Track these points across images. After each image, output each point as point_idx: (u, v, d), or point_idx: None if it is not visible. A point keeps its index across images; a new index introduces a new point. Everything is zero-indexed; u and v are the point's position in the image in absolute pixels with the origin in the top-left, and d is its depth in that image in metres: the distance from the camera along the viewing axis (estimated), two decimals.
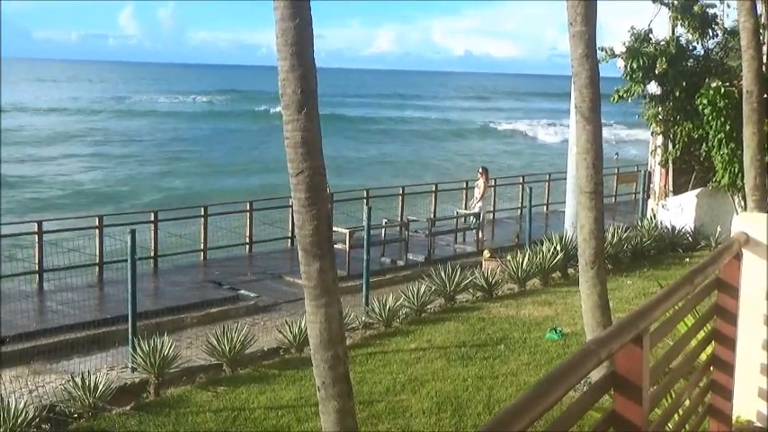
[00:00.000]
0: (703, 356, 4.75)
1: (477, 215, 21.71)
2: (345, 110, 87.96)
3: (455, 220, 22.28)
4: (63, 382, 10.51)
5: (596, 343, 2.79)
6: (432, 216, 22.90)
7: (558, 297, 14.78)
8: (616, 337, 2.91)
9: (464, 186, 25.98)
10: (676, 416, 4.42)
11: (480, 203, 21.99)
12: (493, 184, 25.14)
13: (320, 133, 6.59)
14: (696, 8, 19.15)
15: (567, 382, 2.49)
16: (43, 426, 9.13)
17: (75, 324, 13.71)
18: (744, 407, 4.75)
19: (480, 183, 22.19)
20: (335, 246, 17.59)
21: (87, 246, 17.91)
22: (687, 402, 4.52)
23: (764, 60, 17.29)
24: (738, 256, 4.54)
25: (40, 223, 17.45)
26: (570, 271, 16.08)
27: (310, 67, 6.44)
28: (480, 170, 22.61)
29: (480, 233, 21.63)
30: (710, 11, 19.36)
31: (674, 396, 4.42)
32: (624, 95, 19.76)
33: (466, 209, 23.71)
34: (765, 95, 15.14)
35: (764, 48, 17.33)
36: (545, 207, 27.39)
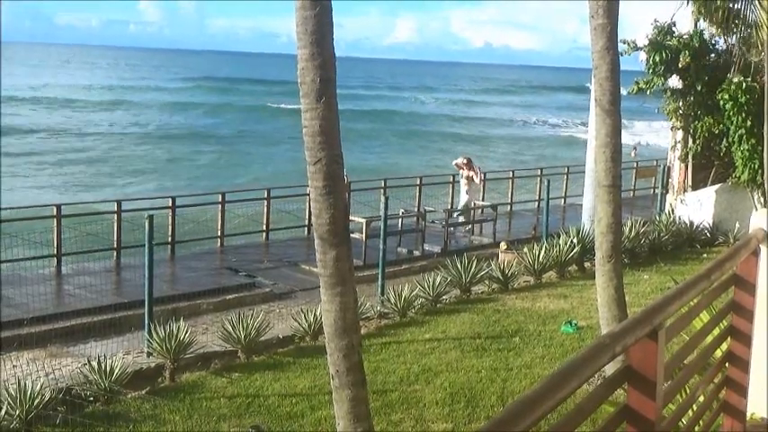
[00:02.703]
0: (718, 353, 4.73)
1: (465, 207, 21.36)
2: (359, 103, 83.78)
3: (472, 211, 22.22)
4: (79, 365, 10.61)
5: (611, 337, 2.78)
6: (449, 207, 22.86)
7: (574, 290, 14.75)
8: (631, 331, 2.91)
9: (483, 178, 25.95)
10: (690, 411, 4.41)
11: (468, 196, 21.60)
12: (483, 177, 23.86)
13: (338, 122, 6.61)
14: (719, 2, 18.99)
15: (581, 375, 2.49)
16: (59, 408, 9.19)
17: (92, 308, 13.81)
18: (758, 404, 4.72)
19: (466, 173, 21.78)
20: (352, 235, 17.77)
21: (106, 230, 18.05)
22: (701, 398, 4.51)
23: None
24: (756, 253, 4.51)
25: (59, 207, 17.53)
26: (587, 264, 16.03)
27: (330, 56, 6.45)
28: (465, 160, 22.06)
29: (472, 226, 21.38)
30: (734, 5, 19.20)
31: (688, 392, 4.41)
32: (644, 87, 19.64)
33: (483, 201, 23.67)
34: None
35: None
36: (563, 200, 27.28)
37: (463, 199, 21.85)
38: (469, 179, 21.73)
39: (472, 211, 21.63)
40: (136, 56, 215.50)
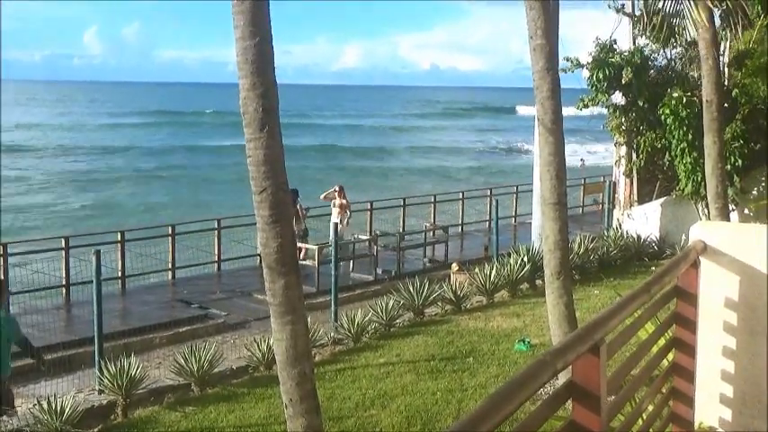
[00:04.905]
0: (664, 364, 4.80)
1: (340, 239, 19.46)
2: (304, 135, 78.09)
3: (423, 234, 22.30)
4: (30, 405, 10.41)
5: (552, 354, 2.81)
6: (401, 230, 22.89)
7: (527, 308, 14.85)
8: (572, 347, 2.94)
9: (432, 200, 26.12)
10: (640, 421, 4.47)
11: (341, 225, 20.19)
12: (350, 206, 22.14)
13: (283, 150, 6.61)
14: (657, 19, 19.36)
15: (522, 394, 2.51)
16: None
17: (43, 346, 13.54)
18: (705, 413, 4.79)
19: (339, 201, 21.05)
20: (305, 262, 17.70)
21: (54, 267, 17.78)
22: (649, 409, 4.57)
23: (724, 70, 17.55)
24: (696, 264, 4.60)
25: (5, 246, 17.28)
26: (538, 282, 16.14)
27: (271, 85, 6.45)
28: (337, 188, 21.30)
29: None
30: (673, 21, 19.59)
31: (636, 403, 4.47)
32: (589, 104, 19.97)
33: (434, 223, 23.75)
34: (725, 105, 15.41)
35: (723, 58, 17.59)
36: (513, 219, 27.51)
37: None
38: (342, 207, 21.00)
39: (351, 245, 20.12)
40: (75, 90, 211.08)
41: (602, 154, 56.16)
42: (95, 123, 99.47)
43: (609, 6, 19.41)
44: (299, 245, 18.85)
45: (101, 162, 64.02)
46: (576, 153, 52.61)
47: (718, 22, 15.26)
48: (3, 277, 15.72)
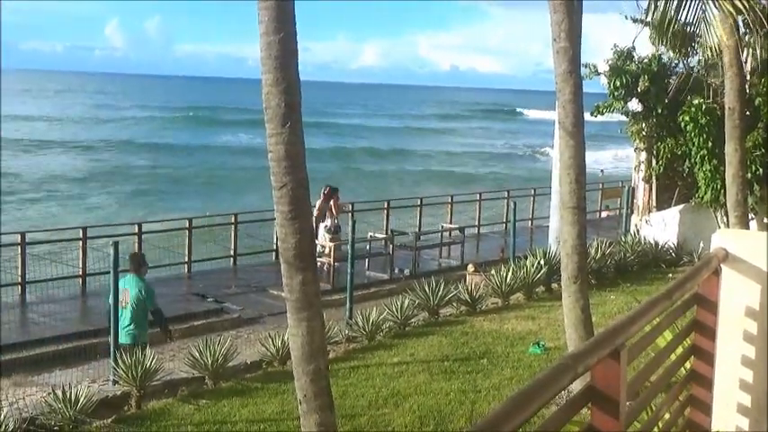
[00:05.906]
0: (682, 372, 4.77)
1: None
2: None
3: (439, 234, 22.28)
4: (44, 394, 10.46)
5: (573, 357, 2.80)
6: (417, 230, 22.85)
7: (542, 311, 14.80)
8: (593, 351, 2.93)
9: (449, 201, 26.09)
10: (656, 429, 4.45)
11: (332, 224, 19.66)
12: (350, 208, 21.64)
13: (304, 146, 6.62)
14: (676, 27, 19.25)
15: (543, 396, 2.50)
16: None
17: (58, 336, 13.64)
18: (723, 421, 4.76)
19: (319, 203, 19.77)
20: (320, 259, 17.70)
21: (71, 257, 17.85)
22: (666, 416, 4.54)
23: (746, 78, 17.43)
24: (717, 272, 4.57)
25: (23, 235, 17.37)
26: (554, 285, 16.10)
27: (294, 81, 6.47)
28: (327, 189, 20.17)
29: (331, 267, 18.62)
30: (691, 29, 19.48)
31: (653, 410, 4.45)
32: (604, 111, 19.92)
33: (451, 223, 23.73)
34: (747, 112, 15.31)
35: (746, 66, 17.47)
36: (530, 221, 27.43)
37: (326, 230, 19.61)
38: (337, 207, 20.33)
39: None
40: (93, 81, 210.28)
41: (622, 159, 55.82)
42: (87, 116, 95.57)
43: (626, 17, 19.33)
44: (327, 243, 18.97)
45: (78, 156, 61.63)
46: (598, 161, 52.34)
47: (741, 29, 15.15)
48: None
